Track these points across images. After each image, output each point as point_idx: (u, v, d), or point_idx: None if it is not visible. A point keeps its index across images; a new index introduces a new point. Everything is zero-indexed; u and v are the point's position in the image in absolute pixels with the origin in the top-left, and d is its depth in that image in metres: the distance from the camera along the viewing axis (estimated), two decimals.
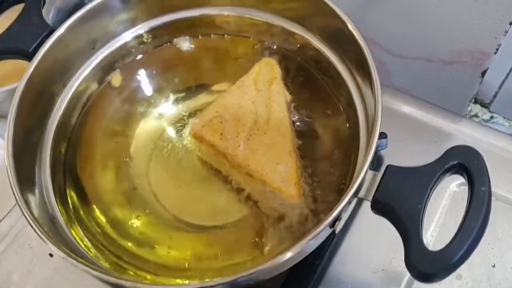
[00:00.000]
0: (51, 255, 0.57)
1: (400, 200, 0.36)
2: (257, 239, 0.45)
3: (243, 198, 0.48)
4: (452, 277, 0.48)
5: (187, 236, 0.47)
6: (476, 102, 0.73)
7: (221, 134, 0.48)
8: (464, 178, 0.37)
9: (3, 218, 0.58)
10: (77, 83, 0.52)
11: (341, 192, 0.45)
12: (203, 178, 0.50)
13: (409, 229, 0.35)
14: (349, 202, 0.37)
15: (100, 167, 0.50)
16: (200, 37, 0.56)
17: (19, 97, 0.44)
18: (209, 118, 0.49)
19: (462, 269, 0.49)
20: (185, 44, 0.55)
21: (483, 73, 0.62)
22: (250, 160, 0.47)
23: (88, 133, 0.52)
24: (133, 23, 0.54)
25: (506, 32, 0.55)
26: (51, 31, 0.48)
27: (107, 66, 0.54)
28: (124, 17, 0.52)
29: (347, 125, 0.48)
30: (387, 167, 0.38)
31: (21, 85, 0.44)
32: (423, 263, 0.34)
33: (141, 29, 0.54)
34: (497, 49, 0.58)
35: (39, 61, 0.46)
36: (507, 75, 0.66)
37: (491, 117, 0.74)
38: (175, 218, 0.48)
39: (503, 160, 0.56)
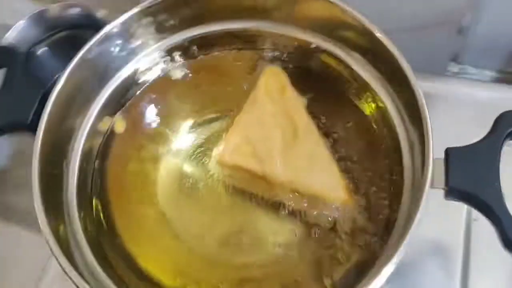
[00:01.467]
0: None
1: (476, 182, 0.36)
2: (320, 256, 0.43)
3: (290, 216, 0.46)
4: None
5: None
6: None
7: (254, 156, 0.46)
8: None
9: None
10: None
11: (384, 182, 0.44)
12: (240, 207, 0.47)
13: (495, 209, 0.35)
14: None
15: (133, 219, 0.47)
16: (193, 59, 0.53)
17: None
18: (235, 143, 0.47)
19: None
20: (177, 72, 0.52)
21: (460, 31, 0.64)
22: (292, 175, 0.45)
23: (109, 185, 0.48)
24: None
25: None
26: (45, 92, 0.44)
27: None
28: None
29: (373, 118, 0.47)
30: (447, 151, 0.38)
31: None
32: None
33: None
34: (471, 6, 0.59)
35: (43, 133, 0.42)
36: (474, 27, 0.68)
37: (460, 70, 0.76)
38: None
39: None
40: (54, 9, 0.62)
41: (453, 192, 0.36)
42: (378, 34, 0.43)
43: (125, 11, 0.63)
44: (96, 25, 0.64)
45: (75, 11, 0.64)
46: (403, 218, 0.41)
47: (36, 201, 0.40)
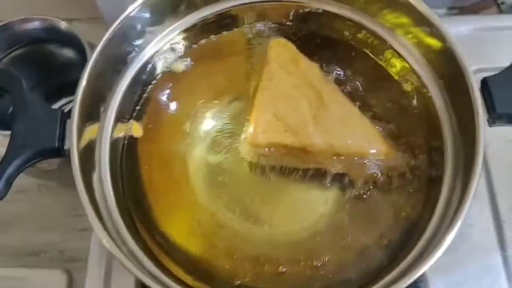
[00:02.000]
0: None
1: None
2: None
3: (334, 183, 0.46)
4: None
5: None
6: None
7: (287, 131, 0.46)
8: None
9: None
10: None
11: (421, 129, 0.45)
12: (281, 184, 0.47)
13: None
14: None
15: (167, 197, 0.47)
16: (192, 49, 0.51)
17: None
18: (265, 122, 0.46)
19: None
20: (181, 65, 0.51)
21: None
22: (331, 140, 0.45)
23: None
24: None
25: None
26: (62, 115, 0.41)
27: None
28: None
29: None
30: (484, 80, 0.40)
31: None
32: None
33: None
34: None
35: None
36: None
37: None
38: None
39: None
40: (14, 25, 0.59)
41: (500, 117, 0.39)
42: None
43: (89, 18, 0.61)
44: (59, 38, 0.61)
45: (35, 25, 0.60)
46: (452, 161, 0.42)
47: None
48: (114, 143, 0.47)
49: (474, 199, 0.52)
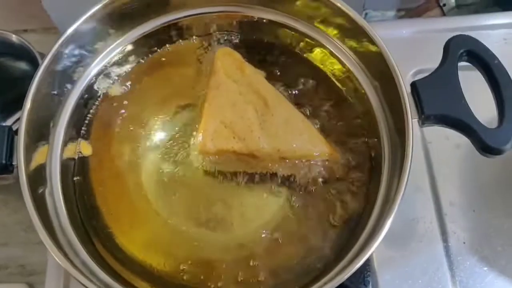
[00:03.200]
0: None
1: (446, 104, 0.41)
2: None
3: (282, 185, 0.48)
4: (453, 148, 0.56)
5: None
6: None
7: (234, 137, 0.47)
8: (472, 63, 0.43)
9: None
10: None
11: (360, 130, 0.48)
12: (230, 188, 0.49)
13: (468, 123, 0.40)
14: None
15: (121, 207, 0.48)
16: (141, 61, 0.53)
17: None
18: (213, 129, 0.48)
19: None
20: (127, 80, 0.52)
21: None
22: (277, 144, 0.47)
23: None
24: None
25: None
26: (10, 130, 0.42)
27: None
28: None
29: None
30: (413, 84, 0.43)
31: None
32: (496, 139, 0.39)
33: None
34: None
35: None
36: None
37: (366, 14, 0.82)
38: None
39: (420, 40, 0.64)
40: None
41: (428, 118, 0.41)
42: None
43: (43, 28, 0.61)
44: (12, 51, 0.61)
45: None
46: (389, 158, 0.45)
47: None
48: (65, 161, 0.48)
49: (417, 193, 0.55)
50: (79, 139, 0.50)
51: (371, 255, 0.49)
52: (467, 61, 0.43)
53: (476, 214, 0.55)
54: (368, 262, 0.52)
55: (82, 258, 0.43)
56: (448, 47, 0.43)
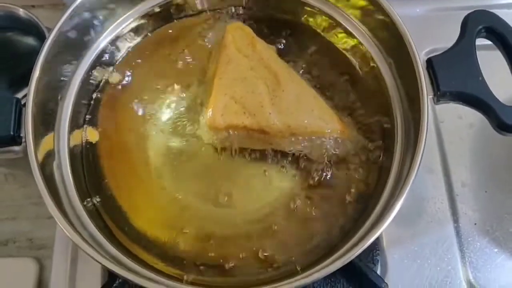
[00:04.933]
0: None
1: (462, 81, 0.40)
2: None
3: (293, 163, 0.48)
4: (466, 128, 0.55)
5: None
6: None
7: (245, 112, 0.47)
8: (491, 39, 0.42)
9: None
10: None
11: (373, 107, 0.47)
12: (239, 168, 0.49)
13: (485, 98, 0.39)
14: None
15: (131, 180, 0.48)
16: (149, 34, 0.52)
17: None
18: (223, 104, 0.47)
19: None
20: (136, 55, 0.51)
21: None
22: (287, 120, 0.47)
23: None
24: None
25: None
26: (18, 102, 0.41)
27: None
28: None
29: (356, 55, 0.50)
30: (429, 60, 0.41)
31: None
32: None
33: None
34: None
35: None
36: None
37: None
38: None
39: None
40: None
41: (444, 95, 0.40)
42: None
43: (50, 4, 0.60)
44: (20, 25, 0.60)
45: None
46: (402, 136, 0.44)
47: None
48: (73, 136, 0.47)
49: (428, 174, 0.54)
50: (87, 115, 0.49)
51: (381, 234, 0.49)
52: (485, 37, 0.42)
53: (488, 195, 0.55)
54: (377, 241, 0.52)
55: (89, 231, 0.43)
56: (466, 23, 0.42)
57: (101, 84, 0.50)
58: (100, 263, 0.37)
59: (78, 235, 0.38)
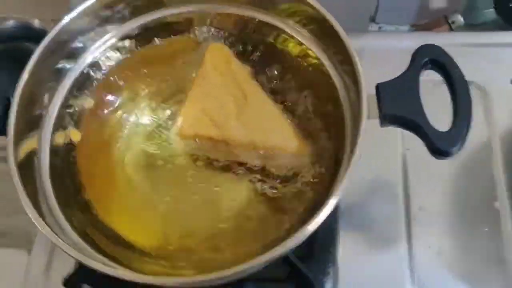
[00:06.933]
0: None
1: (403, 106, 0.44)
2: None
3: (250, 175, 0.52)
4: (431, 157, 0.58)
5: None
6: None
7: (212, 124, 0.51)
8: (436, 70, 0.45)
9: None
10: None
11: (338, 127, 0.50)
12: (203, 174, 0.53)
13: (421, 123, 0.43)
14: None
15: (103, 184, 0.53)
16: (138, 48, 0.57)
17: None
18: (193, 115, 0.52)
19: None
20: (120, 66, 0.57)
21: None
22: (249, 135, 0.51)
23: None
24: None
25: None
26: (6, 100, 0.47)
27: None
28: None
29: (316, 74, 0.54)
30: (377, 86, 0.45)
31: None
32: (445, 142, 0.42)
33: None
34: None
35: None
36: None
37: (379, 28, 0.84)
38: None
39: None
40: None
41: (386, 117, 0.44)
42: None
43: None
44: (34, 36, 0.66)
45: (10, 24, 0.66)
46: (347, 154, 0.47)
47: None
48: (55, 137, 0.53)
49: (390, 197, 0.58)
50: (70, 122, 0.54)
51: (337, 247, 0.53)
52: (431, 68, 0.45)
53: (445, 219, 0.57)
54: (331, 256, 0.55)
55: (60, 223, 0.47)
56: (415, 55, 0.45)
57: (87, 91, 0.55)
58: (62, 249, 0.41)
59: (48, 227, 0.42)
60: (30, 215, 0.43)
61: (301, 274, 0.52)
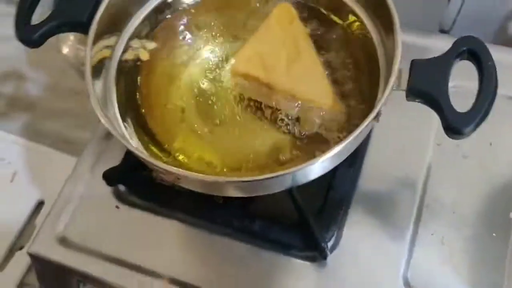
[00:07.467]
0: (117, 207, 0.65)
1: (430, 83, 0.47)
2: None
3: (285, 121, 0.57)
4: (460, 157, 0.61)
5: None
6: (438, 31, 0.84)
7: (261, 67, 0.57)
8: (472, 61, 0.49)
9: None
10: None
11: (371, 99, 0.55)
12: (243, 110, 0.59)
13: (442, 103, 0.46)
14: (387, 98, 0.48)
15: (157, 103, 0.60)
16: None
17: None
18: (249, 56, 0.58)
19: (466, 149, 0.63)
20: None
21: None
22: (292, 84, 0.56)
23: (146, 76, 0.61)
24: None
25: None
26: (97, 1, 0.55)
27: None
28: None
29: (364, 47, 0.59)
30: (412, 61, 0.49)
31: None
32: (459, 121, 0.45)
33: None
34: None
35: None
36: (463, 1, 0.78)
37: None
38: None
39: None
40: None
41: (412, 90, 0.48)
42: None
43: None
44: None
45: None
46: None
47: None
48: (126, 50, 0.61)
49: (407, 182, 0.61)
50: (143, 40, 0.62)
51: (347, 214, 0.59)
52: (467, 58, 0.49)
53: (455, 216, 0.60)
54: (339, 218, 0.59)
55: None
56: (456, 43, 0.49)
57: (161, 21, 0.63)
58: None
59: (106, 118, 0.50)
60: (92, 103, 0.50)
61: (308, 224, 0.57)
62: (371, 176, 0.63)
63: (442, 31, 0.84)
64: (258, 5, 0.64)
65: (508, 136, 0.64)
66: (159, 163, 0.47)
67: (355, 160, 0.62)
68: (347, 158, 0.53)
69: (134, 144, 0.55)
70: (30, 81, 0.99)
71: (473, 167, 0.62)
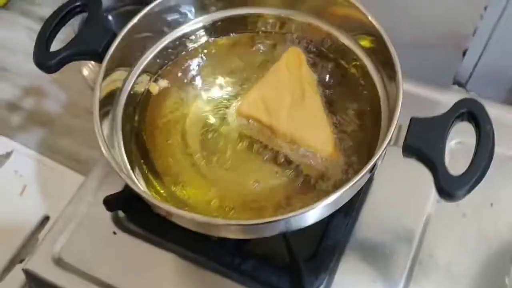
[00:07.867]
0: (114, 233, 0.66)
1: (426, 142, 0.48)
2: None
3: (285, 165, 0.58)
4: (459, 216, 0.60)
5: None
6: (453, 83, 0.84)
7: (265, 110, 0.58)
8: (471, 123, 0.49)
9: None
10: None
11: (370, 151, 0.55)
12: (246, 150, 0.60)
13: (436, 163, 0.46)
14: (385, 151, 0.48)
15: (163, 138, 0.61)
16: (232, 35, 0.66)
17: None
18: (253, 99, 0.60)
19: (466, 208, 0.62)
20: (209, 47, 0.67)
21: (464, 53, 0.75)
22: (293, 129, 0.57)
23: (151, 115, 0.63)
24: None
25: (482, 16, 0.67)
26: (114, 34, 0.58)
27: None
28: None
29: (369, 98, 0.59)
30: (411, 119, 0.50)
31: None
32: (451, 184, 0.45)
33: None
34: (475, 31, 0.70)
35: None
36: (480, 56, 0.79)
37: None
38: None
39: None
40: None
41: (408, 148, 0.48)
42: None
43: None
44: None
45: None
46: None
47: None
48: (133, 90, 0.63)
49: (404, 233, 0.61)
50: (154, 77, 0.64)
51: (339, 263, 0.59)
52: (467, 120, 0.49)
53: (449, 274, 0.59)
54: (331, 265, 0.59)
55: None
56: (456, 104, 0.49)
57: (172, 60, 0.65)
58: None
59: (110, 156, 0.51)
60: (97, 135, 0.52)
61: (298, 268, 0.57)
62: (369, 224, 0.63)
63: (459, 84, 0.84)
64: (268, 48, 0.65)
65: (510, 198, 0.63)
66: (150, 198, 0.48)
67: (351, 209, 0.62)
68: (343, 206, 0.53)
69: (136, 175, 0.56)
70: (50, 98, 1.02)
71: (471, 227, 0.62)
